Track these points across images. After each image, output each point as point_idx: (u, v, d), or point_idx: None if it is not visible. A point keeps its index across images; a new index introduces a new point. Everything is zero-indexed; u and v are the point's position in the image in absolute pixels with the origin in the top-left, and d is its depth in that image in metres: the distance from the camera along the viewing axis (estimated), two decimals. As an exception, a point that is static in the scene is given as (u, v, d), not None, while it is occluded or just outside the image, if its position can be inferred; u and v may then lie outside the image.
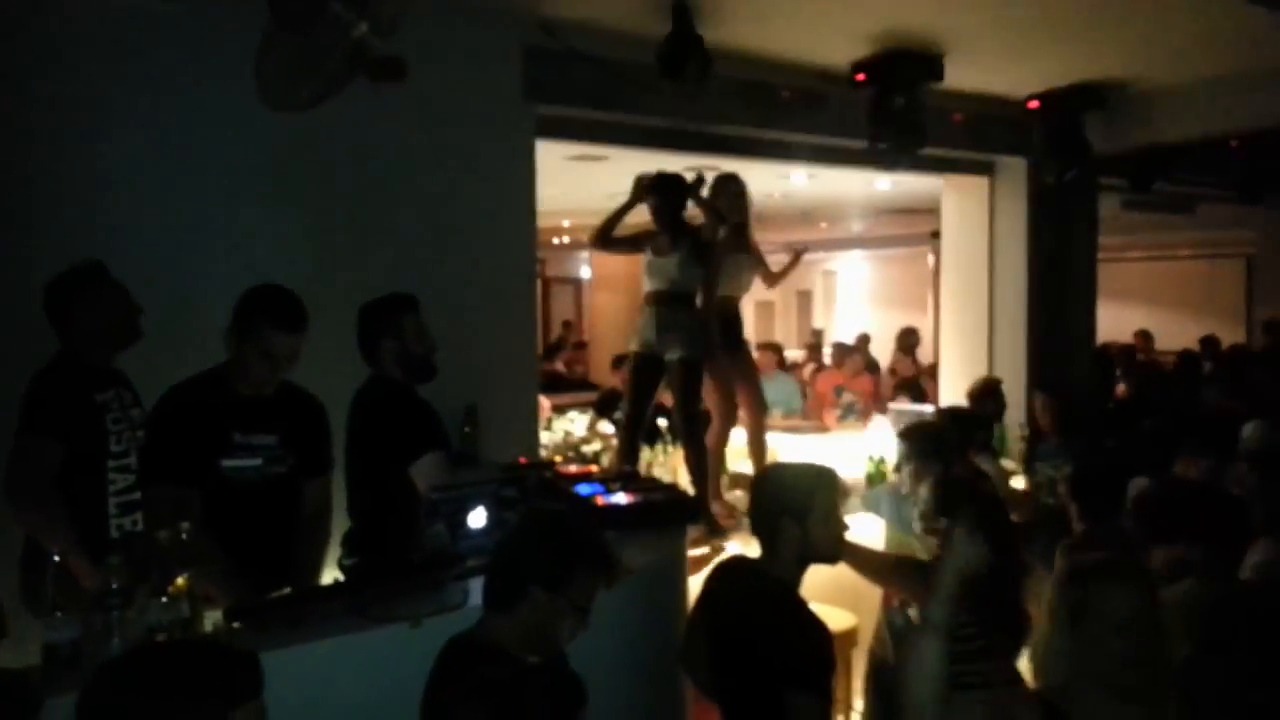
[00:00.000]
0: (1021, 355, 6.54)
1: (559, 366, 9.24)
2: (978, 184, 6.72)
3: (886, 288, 14.96)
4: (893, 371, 9.31)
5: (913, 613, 3.03)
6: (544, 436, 6.02)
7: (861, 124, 5.18)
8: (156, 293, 3.15)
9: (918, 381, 7.61)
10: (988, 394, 5.48)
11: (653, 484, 3.40)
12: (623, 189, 4.67)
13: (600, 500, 2.93)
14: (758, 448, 5.04)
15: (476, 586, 2.16)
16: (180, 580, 2.17)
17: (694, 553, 3.85)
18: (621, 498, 2.96)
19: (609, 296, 11.49)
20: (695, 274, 4.61)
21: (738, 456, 5.24)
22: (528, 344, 4.62)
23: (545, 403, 6.81)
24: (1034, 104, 5.87)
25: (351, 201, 3.97)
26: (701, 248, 4.62)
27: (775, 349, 7.85)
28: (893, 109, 5.11)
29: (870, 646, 3.56)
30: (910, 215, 10.94)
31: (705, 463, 4.67)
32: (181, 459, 2.69)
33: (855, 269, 15.69)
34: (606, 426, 5.85)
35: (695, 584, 2.80)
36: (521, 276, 4.55)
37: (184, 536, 2.24)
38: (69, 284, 2.92)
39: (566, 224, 11.71)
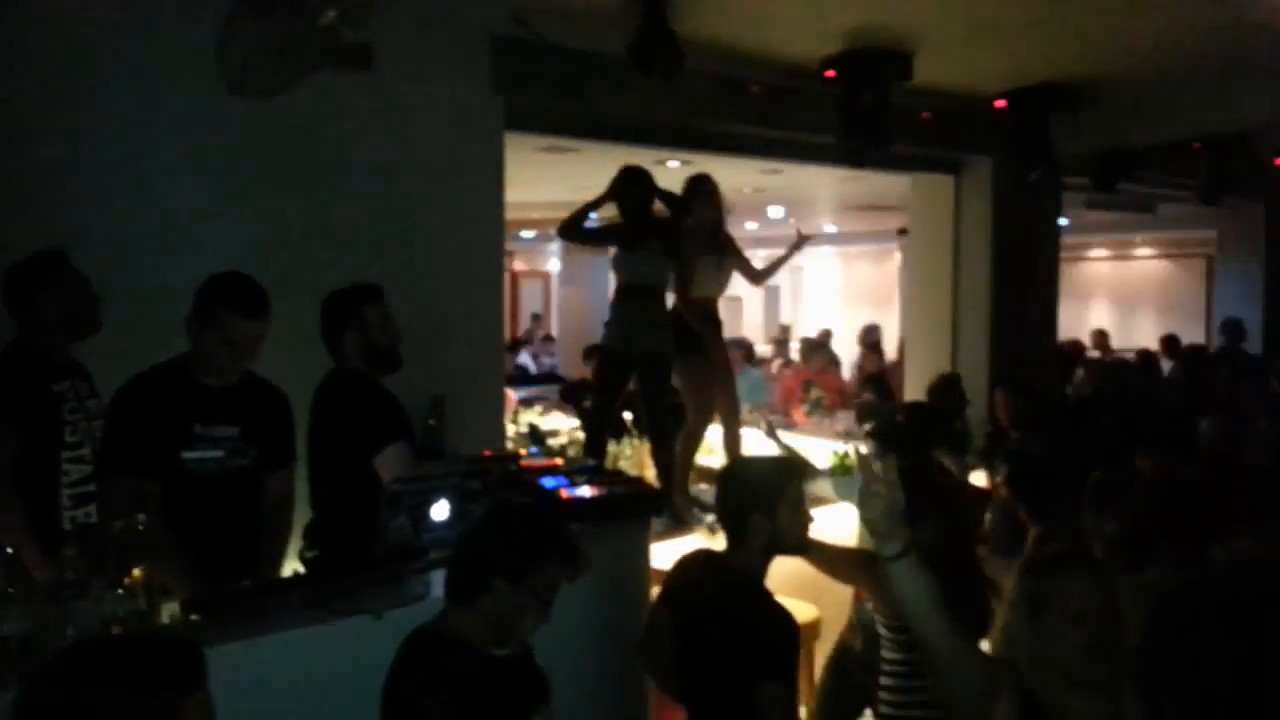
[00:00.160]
0: (985, 352, 6.61)
1: (526, 360, 9.21)
2: (944, 182, 6.78)
3: (854, 284, 15.06)
4: (860, 368, 9.38)
5: (869, 607, 3.06)
6: (510, 429, 6.01)
7: (830, 120, 5.20)
8: (117, 283, 3.10)
9: (883, 377, 7.67)
10: (946, 389, 5.54)
11: (618, 477, 3.40)
12: (592, 182, 4.66)
13: (565, 493, 2.92)
14: (733, 444, 5.05)
15: (438, 579, 2.15)
16: (137, 572, 2.14)
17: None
18: (586, 491, 2.96)
19: (578, 290, 11.48)
20: (664, 269, 4.61)
21: (706, 452, 5.25)
22: (494, 336, 4.59)
23: (511, 396, 6.80)
24: (1001, 103, 5.92)
25: (317, 191, 3.93)
26: (670, 242, 4.61)
27: (744, 345, 7.88)
28: (861, 106, 5.13)
29: (841, 633, 3.60)
30: (878, 212, 11.01)
31: (672, 457, 4.67)
32: (141, 451, 2.65)
33: (824, 265, 15.77)
34: (570, 420, 5.84)
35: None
36: (489, 269, 4.52)
37: (140, 528, 2.21)
38: (30, 272, 2.86)
39: (536, 217, 11.66)
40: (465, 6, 4.20)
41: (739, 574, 2.56)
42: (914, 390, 6.73)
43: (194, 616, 2.18)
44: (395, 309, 3.14)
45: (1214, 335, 9.65)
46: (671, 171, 4.98)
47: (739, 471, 2.80)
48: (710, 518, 4.18)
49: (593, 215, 4.67)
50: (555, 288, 14.65)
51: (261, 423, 2.85)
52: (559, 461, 3.51)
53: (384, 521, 2.39)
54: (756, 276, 5.20)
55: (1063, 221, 7.55)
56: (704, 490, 4.75)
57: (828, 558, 2.99)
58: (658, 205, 4.67)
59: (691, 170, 4.98)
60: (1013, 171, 6.24)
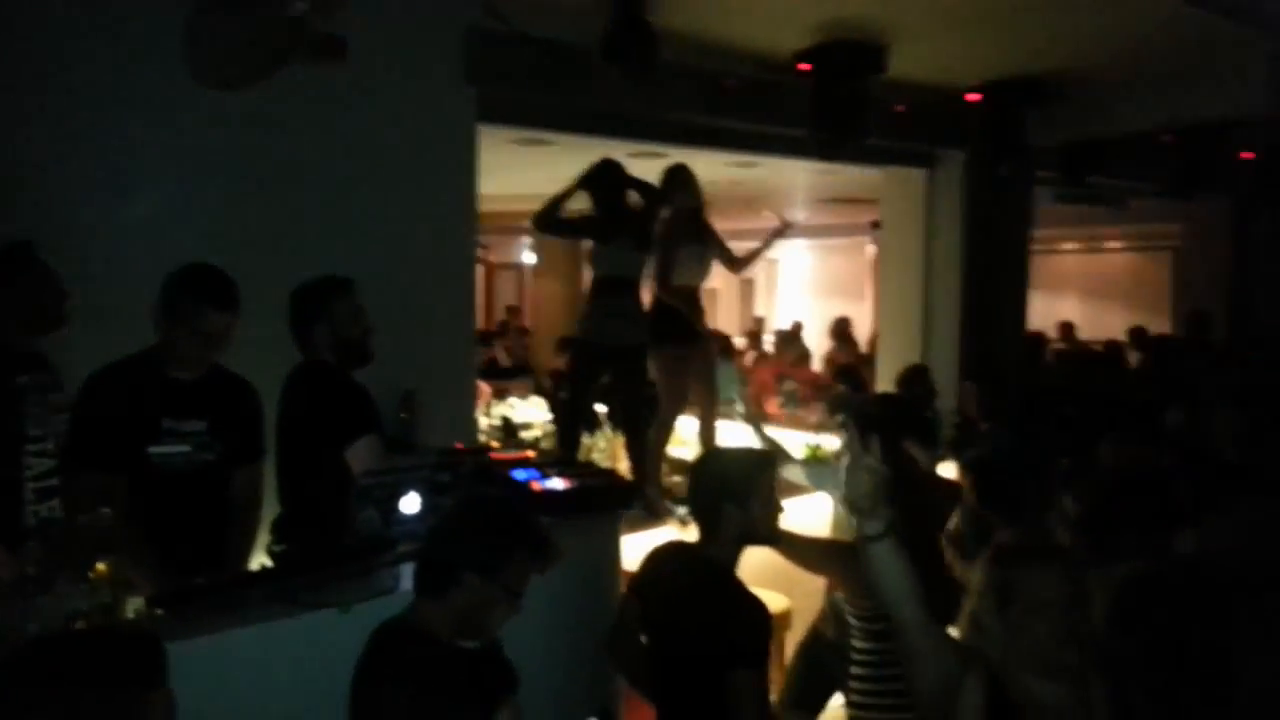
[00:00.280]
0: (954, 344, 6.66)
1: (499, 353, 9.18)
2: (917, 175, 6.81)
3: (828, 277, 15.10)
4: (831, 361, 9.42)
5: (841, 595, 3.09)
6: (483, 422, 6.00)
7: (804, 113, 5.21)
8: (83, 275, 3.05)
9: (855, 369, 7.70)
10: (913, 380, 5.58)
11: (590, 469, 3.41)
12: (567, 175, 4.65)
13: (536, 485, 2.92)
14: (708, 436, 5.05)
15: (408, 572, 2.14)
16: (101, 566, 2.11)
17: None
18: (558, 483, 2.96)
19: (552, 283, 11.43)
20: (638, 262, 4.61)
21: (676, 443, 5.25)
22: (466, 329, 4.57)
23: (485, 389, 6.78)
24: (973, 97, 5.96)
25: (287, 183, 3.89)
26: (644, 235, 4.61)
27: (721, 337, 7.88)
28: (835, 99, 5.15)
29: (814, 620, 3.62)
30: (851, 205, 11.05)
31: (644, 449, 4.68)
32: (107, 445, 2.63)
33: (797, 258, 15.80)
34: (543, 412, 5.83)
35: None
36: (461, 261, 4.50)
37: (105, 522, 2.18)
38: None
39: (510, 209, 11.61)
40: (438, -3, 4.17)
41: (712, 564, 2.57)
42: (886, 382, 6.77)
43: (159, 611, 2.15)
44: (366, 301, 3.12)
45: (1180, 327, 9.76)
46: (648, 164, 4.97)
47: (712, 463, 2.81)
48: (682, 510, 4.19)
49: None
50: (530, 280, 14.61)
51: (230, 417, 2.83)
52: (531, 454, 3.50)
53: (353, 514, 2.37)
54: (736, 264, 5.21)
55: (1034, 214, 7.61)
56: (676, 482, 4.76)
57: (798, 548, 3.01)
58: (633, 198, 4.66)
59: (666, 163, 4.99)
60: (985, 165, 6.28)
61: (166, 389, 2.71)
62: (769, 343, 11.01)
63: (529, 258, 14.48)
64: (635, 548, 3.06)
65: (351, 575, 2.30)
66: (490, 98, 4.47)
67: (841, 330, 9.86)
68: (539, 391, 7.04)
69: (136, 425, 2.65)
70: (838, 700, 3.35)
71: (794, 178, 9.11)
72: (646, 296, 4.81)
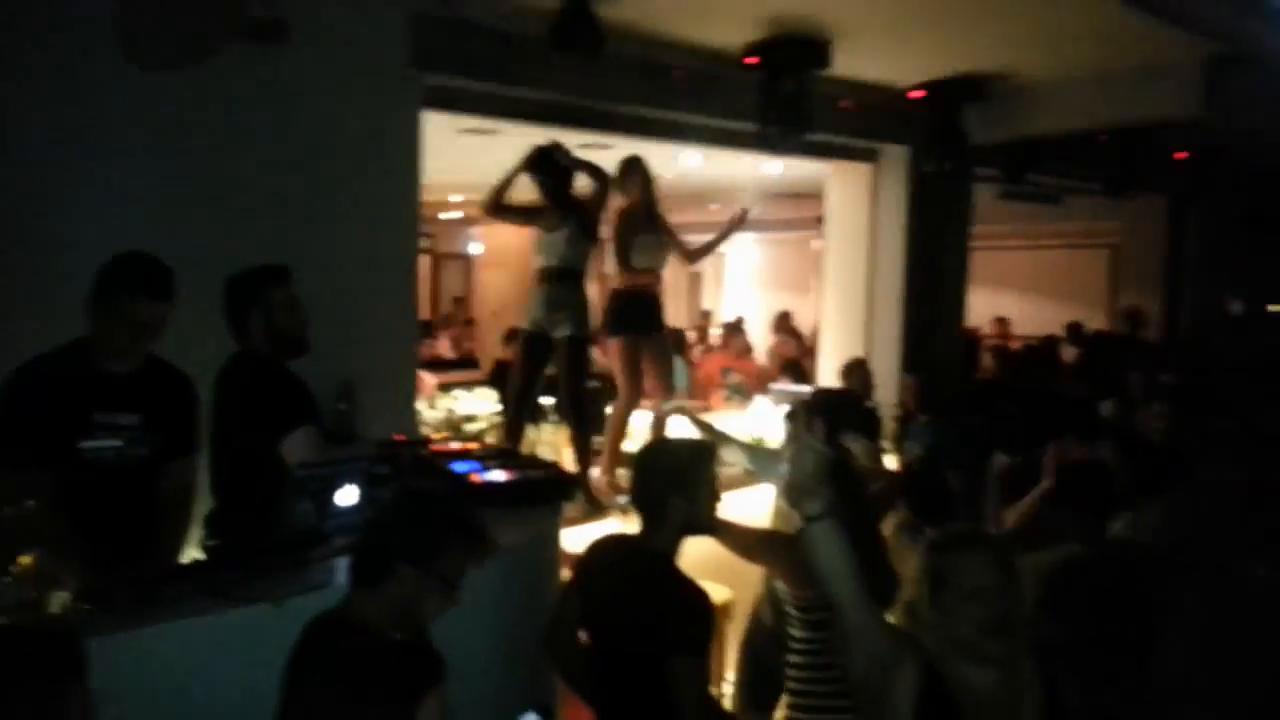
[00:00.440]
0: (896, 337, 6.75)
1: (443, 345, 9.08)
2: (861, 171, 6.88)
3: (774, 271, 15.19)
4: (776, 353, 9.48)
5: (780, 584, 3.12)
6: (428, 415, 5.94)
7: (751, 107, 5.24)
8: (16, 263, 2.97)
9: (799, 362, 7.77)
10: (852, 374, 5.67)
11: (531, 461, 3.40)
12: (513, 164, 4.62)
13: (476, 477, 2.90)
14: (659, 427, 5.06)
15: (343, 566, 2.12)
16: (25, 560, 2.06)
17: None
18: (498, 475, 2.94)
19: (499, 273, 11.34)
20: (584, 252, 4.60)
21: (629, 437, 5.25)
22: (408, 319, 4.52)
23: (430, 380, 6.71)
24: (916, 94, 6.04)
25: (227, 169, 3.80)
26: (590, 225, 4.60)
27: (674, 331, 7.89)
28: (781, 93, 5.19)
29: (753, 612, 3.64)
30: (798, 200, 11.12)
31: (589, 441, 4.68)
32: (35, 440, 2.55)
33: (745, 251, 15.88)
34: (489, 404, 5.79)
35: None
36: (404, 250, 4.45)
37: (30, 516, 2.13)
38: None
39: (456, 199, 11.51)
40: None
41: (654, 555, 2.59)
42: (829, 375, 6.84)
43: (85, 606, 2.10)
44: (306, 290, 3.07)
45: (1116, 323, 9.99)
46: (596, 156, 4.95)
47: (658, 454, 2.82)
48: (623, 499, 4.20)
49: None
50: (477, 271, 14.49)
51: (164, 411, 2.77)
52: (472, 446, 3.48)
53: (287, 507, 2.33)
54: (691, 255, 5.27)
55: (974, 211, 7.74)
56: (620, 475, 4.77)
57: (739, 538, 3.04)
58: (580, 181, 4.65)
59: (615, 155, 4.99)
60: (927, 161, 6.37)
61: (98, 382, 2.64)
62: (716, 336, 11.06)
63: (476, 248, 14.37)
64: (580, 540, 3.06)
65: (285, 569, 2.26)
66: (436, 85, 4.43)
67: (783, 323, 9.93)
68: (491, 383, 6.98)
69: (66, 420, 2.58)
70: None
71: (740, 171, 9.14)
72: (593, 288, 4.81)
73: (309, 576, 2.24)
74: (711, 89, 5.41)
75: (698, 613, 2.49)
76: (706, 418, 4.73)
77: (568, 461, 4.69)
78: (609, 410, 5.13)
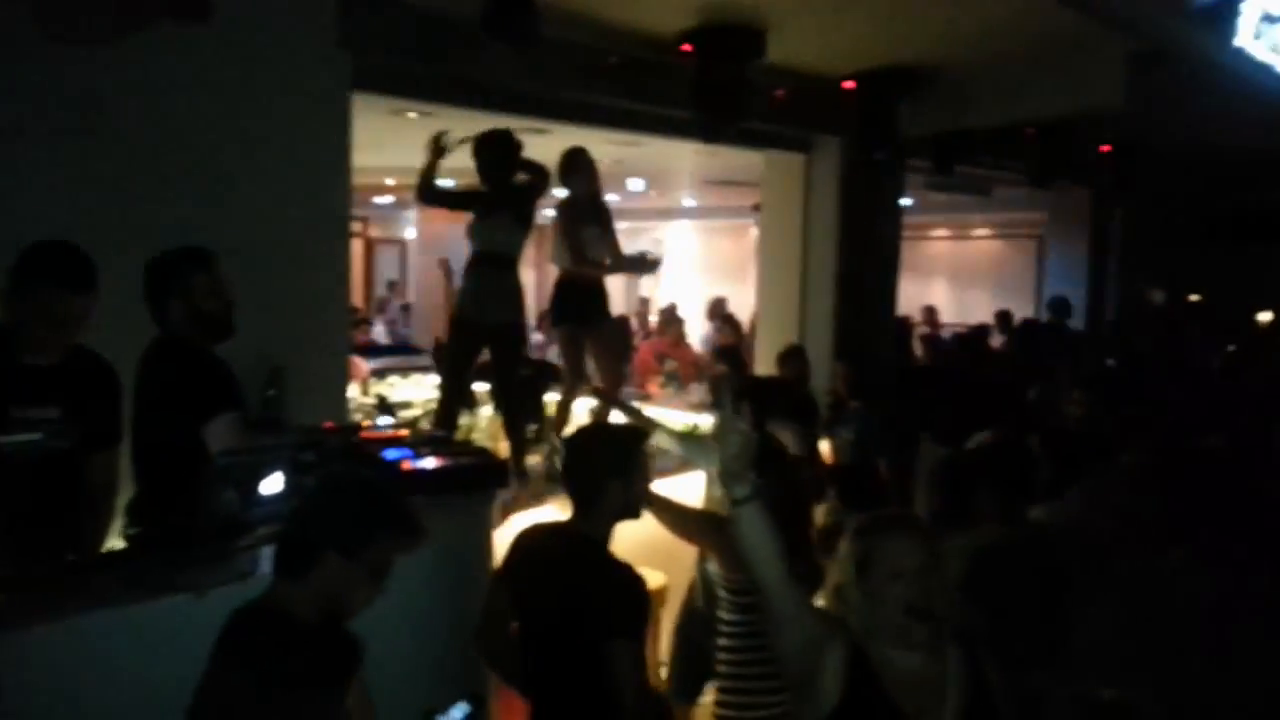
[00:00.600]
0: (829, 325, 6.84)
1: (379, 329, 8.96)
2: (795, 160, 6.94)
3: (713, 258, 15.28)
4: (714, 341, 9.52)
5: (712, 566, 3.15)
6: (362, 401, 5.87)
7: (686, 95, 5.24)
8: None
9: (736, 349, 7.82)
10: (788, 361, 5.74)
11: (464, 448, 3.37)
12: (452, 148, 4.57)
13: (407, 464, 2.87)
14: (603, 415, 5.05)
15: (267, 555, 2.08)
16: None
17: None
18: (430, 462, 2.91)
19: (434, 258, 11.21)
20: (519, 238, 4.57)
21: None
22: (339, 303, 4.43)
23: (364, 366, 6.63)
24: (849, 85, 6.10)
25: (147, 151, 3.68)
26: (525, 211, 4.57)
27: (620, 319, 7.89)
28: (716, 82, 5.19)
29: (685, 598, 3.67)
30: (735, 188, 11.19)
31: (523, 428, 4.66)
32: None
33: (683, 239, 15.94)
34: (424, 391, 5.74)
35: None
36: (334, 234, 4.35)
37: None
38: None
39: (390, 182, 11.34)
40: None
41: (587, 540, 2.60)
42: (766, 362, 6.91)
43: (4, 597, 2.04)
44: (231, 274, 3.00)
45: (1042, 312, 10.24)
46: (532, 141, 4.91)
47: (592, 439, 2.83)
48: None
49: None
50: (412, 255, 14.32)
51: (85, 402, 2.70)
52: (404, 433, 3.44)
53: (210, 496, 2.28)
54: (612, 265, 5.16)
55: (906, 201, 7.87)
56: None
57: (676, 515, 3.08)
58: (520, 176, 4.61)
59: (550, 140, 4.96)
60: (859, 151, 6.45)
61: (17, 376, 2.56)
62: (654, 323, 11.08)
63: (411, 233, 14.19)
64: (514, 527, 3.05)
65: (208, 558, 2.22)
66: (366, 65, 4.34)
67: (718, 311, 9.98)
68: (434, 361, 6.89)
69: None
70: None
71: (678, 158, 9.17)
72: (529, 275, 4.79)
73: (232, 566, 2.20)
74: (647, 76, 5.40)
75: (634, 596, 2.51)
76: (641, 405, 4.74)
77: (503, 449, 4.67)
78: (547, 398, 5.13)
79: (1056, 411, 5.11)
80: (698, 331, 10.21)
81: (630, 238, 5.73)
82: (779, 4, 4.78)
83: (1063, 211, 10.42)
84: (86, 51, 3.40)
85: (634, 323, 11.38)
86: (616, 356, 5.01)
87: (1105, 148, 8.33)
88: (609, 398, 4.08)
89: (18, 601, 2.03)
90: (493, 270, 4.50)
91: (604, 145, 7.94)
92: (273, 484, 2.34)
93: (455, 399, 4.70)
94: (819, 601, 2.20)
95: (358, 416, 5.47)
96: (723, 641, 3.02)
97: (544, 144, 5.02)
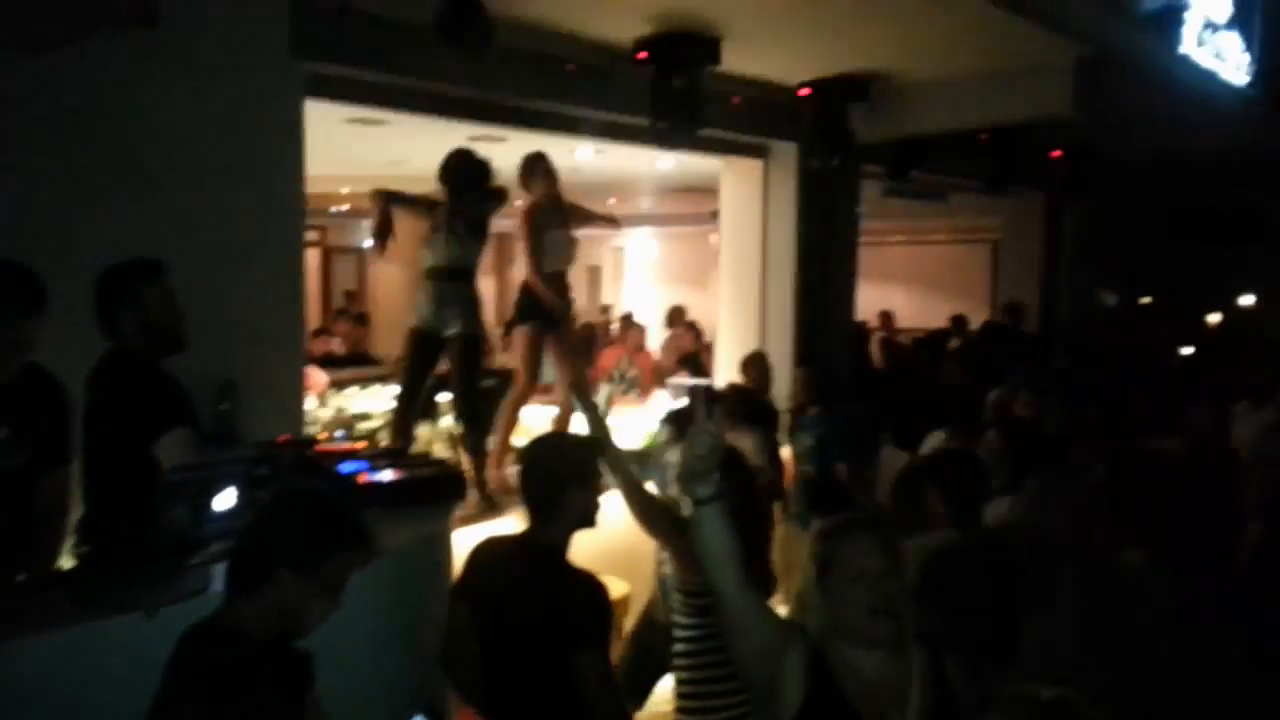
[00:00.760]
0: (789, 331, 6.88)
1: (336, 341, 8.85)
2: (753, 166, 6.99)
3: (674, 265, 15.29)
4: (672, 348, 9.53)
5: (668, 569, 3.14)
6: (320, 413, 5.79)
7: (643, 102, 5.25)
8: None
9: (697, 356, 7.85)
10: (751, 367, 5.77)
11: (421, 460, 3.34)
12: (405, 156, 4.54)
13: (363, 477, 2.84)
14: (564, 422, 5.03)
15: (220, 572, 2.04)
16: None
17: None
18: (386, 475, 2.88)
19: (392, 268, 11.11)
20: (475, 250, 4.55)
21: (522, 433, 5.21)
22: (294, 315, 4.37)
23: (322, 378, 6.54)
24: (804, 92, 6.15)
25: (96, 159, 3.61)
26: (480, 223, 4.55)
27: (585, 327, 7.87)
28: (672, 89, 5.21)
29: (645, 606, 3.66)
30: (695, 194, 11.22)
31: (483, 440, 4.63)
32: None
33: (643, 246, 15.95)
34: (383, 403, 5.68)
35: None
36: (288, 243, 4.30)
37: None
38: None
39: (346, 191, 11.23)
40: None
41: (547, 549, 2.57)
42: (726, 368, 6.93)
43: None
44: (183, 286, 2.96)
45: (997, 316, 10.37)
46: (488, 148, 4.89)
47: (552, 448, 2.81)
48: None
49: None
50: (370, 265, 14.19)
51: (35, 421, 2.64)
52: (360, 445, 3.40)
53: (162, 512, 2.24)
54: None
55: (862, 208, 7.93)
56: (510, 469, 4.73)
57: (646, 504, 3.10)
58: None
59: (507, 148, 4.94)
60: (815, 158, 6.49)
61: None
62: (615, 330, 11.07)
63: (369, 242, 14.05)
64: (472, 539, 3.02)
65: (159, 576, 2.17)
66: (319, 73, 4.31)
67: (677, 317, 9.99)
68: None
69: None
70: (667, 684, 3.41)
71: (636, 165, 9.18)
72: (487, 285, 4.76)
73: (184, 583, 2.15)
74: (604, 83, 5.40)
75: (599, 605, 2.50)
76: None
77: (462, 461, 4.63)
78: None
79: (1012, 413, 5.18)
80: (658, 339, 10.22)
81: (589, 246, 5.72)
82: (733, 12, 4.81)
83: (1016, 216, 10.57)
84: (32, 59, 3.33)
85: (599, 330, 11.37)
86: (577, 363, 4.99)
87: (1056, 153, 8.47)
88: (582, 394, 4.04)
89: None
90: (448, 281, 4.47)
91: (563, 154, 7.95)
92: (225, 500, 2.30)
93: (411, 411, 4.66)
94: (779, 608, 2.20)
95: (314, 429, 5.41)
96: (679, 647, 3.02)
97: (501, 151, 5.00)
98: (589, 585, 2.51)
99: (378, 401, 6.34)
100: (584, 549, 2.66)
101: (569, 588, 2.50)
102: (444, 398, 5.16)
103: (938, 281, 12.24)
